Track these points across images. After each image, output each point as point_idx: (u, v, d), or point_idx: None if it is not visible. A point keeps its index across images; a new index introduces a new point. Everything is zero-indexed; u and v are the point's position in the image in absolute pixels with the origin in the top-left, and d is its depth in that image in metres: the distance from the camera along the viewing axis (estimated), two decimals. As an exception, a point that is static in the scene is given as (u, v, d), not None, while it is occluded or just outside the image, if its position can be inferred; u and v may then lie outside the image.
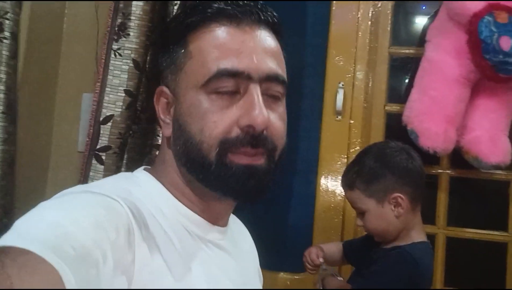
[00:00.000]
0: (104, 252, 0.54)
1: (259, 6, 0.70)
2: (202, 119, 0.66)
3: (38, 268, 0.46)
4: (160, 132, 1.36)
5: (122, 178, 0.73)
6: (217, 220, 0.74)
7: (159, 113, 0.73)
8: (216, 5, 0.68)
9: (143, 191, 0.68)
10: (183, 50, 0.69)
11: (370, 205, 1.19)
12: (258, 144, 0.66)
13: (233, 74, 0.65)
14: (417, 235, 1.21)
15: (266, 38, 0.69)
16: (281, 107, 0.71)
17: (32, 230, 0.52)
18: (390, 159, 1.19)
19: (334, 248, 1.37)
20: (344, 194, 1.29)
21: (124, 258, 0.58)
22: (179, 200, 0.71)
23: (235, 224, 0.85)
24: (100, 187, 0.64)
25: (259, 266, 0.90)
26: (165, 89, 0.72)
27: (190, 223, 0.70)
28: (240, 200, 0.72)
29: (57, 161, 1.58)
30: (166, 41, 0.73)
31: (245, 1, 0.69)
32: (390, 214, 1.18)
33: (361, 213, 1.22)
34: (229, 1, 0.68)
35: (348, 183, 1.23)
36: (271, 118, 0.67)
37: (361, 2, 1.62)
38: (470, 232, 1.59)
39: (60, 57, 1.58)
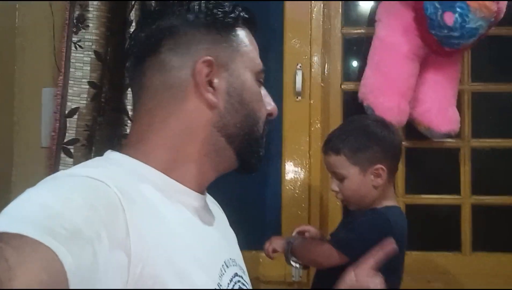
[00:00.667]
0: (97, 231, 0.54)
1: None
2: (260, 100, 0.79)
3: (34, 250, 0.46)
4: (128, 121, 1.38)
5: (100, 161, 0.74)
6: (201, 190, 0.78)
7: (201, 79, 0.73)
8: (244, 11, 0.80)
9: (124, 169, 0.69)
10: (234, 37, 0.78)
11: (352, 172, 1.24)
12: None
13: (264, 73, 0.81)
14: (389, 202, 1.29)
15: None
16: None
17: (22, 214, 0.52)
18: (378, 132, 1.26)
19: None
20: (324, 160, 1.33)
21: (118, 234, 0.58)
22: (165, 173, 0.72)
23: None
24: (84, 170, 0.65)
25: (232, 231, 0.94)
26: (213, 61, 0.74)
27: (178, 193, 0.73)
28: (247, 171, 0.82)
29: (20, 157, 1.55)
30: (212, 22, 0.76)
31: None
32: (369, 184, 1.24)
33: (339, 179, 1.27)
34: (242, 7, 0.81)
35: (334, 147, 1.26)
36: None
37: (312, -15, 1.67)
38: (427, 198, 1.70)
39: (15, 52, 1.55)
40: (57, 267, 0.47)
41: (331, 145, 1.28)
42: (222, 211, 0.94)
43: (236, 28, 0.78)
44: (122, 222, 0.59)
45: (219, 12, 0.77)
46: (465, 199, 1.67)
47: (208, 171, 0.77)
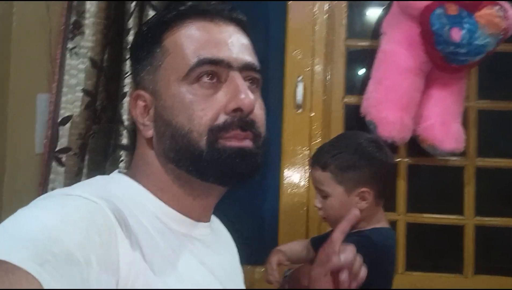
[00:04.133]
0: (87, 255, 0.53)
1: (227, 5, 0.73)
2: (188, 108, 0.67)
3: (17, 277, 0.45)
4: (124, 131, 1.34)
5: (101, 180, 0.72)
6: (201, 216, 0.75)
7: (137, 117, 0.73)
8: (188, 4, 0.71)
9: (123, 191, 0.69)
10: (158, 49, 0.71)
11: (337, 192, 1.18)
12: (246, 127, 0.68)
13: (214, 62, 0.68)
14: (378, 223, 1.21)
15: (239, 34, 0.73)
16: (259, 98, 0.74)
17: (11, 237, 0.51)
18: (369, 153, 1.18)
19: (297, 246, 1.35)
20: (310, 174, 1.27)
21: (109, 260, 0.57)
22: (161, 199, 0.71)
23: (213, 220, 0.85)
24: (79, 189, 0.63)
25: (239, 262, 0.91)
26: (142, 92, 0.72)
27: (171, 220, 0.70)
28: (232, 183, 0.72)
29: (13, 165, 1.51)
30: (141, 45, 0.74)
31: (214, 0, 0.73)
32: (353, 206, 1.16)
33: (323, 196, 1.21)
34: (199, 0, 0.72)
35: (321, 163, 1.20)
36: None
37: (317, -4, 1.64)
38: (429, 217, 1.65)
39: (11, 57, 1.52)
40: None
41: (319, 159, 1.21)
42: (231, 238, 0.91)
43: (164, 37, 0.71)
44: (114, 247, 0.59)
45: (138, 38, 0.74)
46: (468, 220, 1.62)
47: (189, 198, 0.72)
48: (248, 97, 0.68)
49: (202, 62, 0.67)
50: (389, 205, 1.61)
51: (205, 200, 0.74)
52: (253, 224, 1.65)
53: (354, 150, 1.19)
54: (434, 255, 1.69)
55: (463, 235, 1.62)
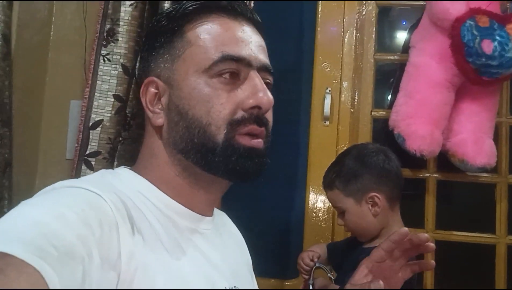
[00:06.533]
0: (89, 249, 0.53)
1: (246, 6, 0.75)
2: (208, 102, 0.68)
3: (19, 271, 0.45)
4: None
5: (105, 174, 0.73)
6: (204, 210, 0.75)
7: (146, 104, 0.73)
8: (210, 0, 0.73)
9: (125, 185, 0.69)
10: (180, 39, 0.72)
11: (349, 205, 1.21)
12: (262, 124, 0.70)
13: (236, 60, 0.69)
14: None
15: (258, 35, 0.75)
16: None
17: (13, 231, 0.50)
18: (368, 160, 1.22)
19: (318, 249, 1.38)
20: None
21: (110, 253, 0.57)
22: (165, 193, 0.71)
23: (219, 216, 0.85)
24: (82, 182, 0.63)
25: (250, 262, 0.89)
26: (155, 79, 0.72)
27: (175, 213, 0.70)
28: (238, 180, 0.72)
29: (44, 169, 1.56)
30: (159, 33, 0.74)
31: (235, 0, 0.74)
32: (368, 213, 1.20)
33: (341, 213, 1.25)
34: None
35: (327, 183, 1.26)
36: None
37: (346, 9, 1.65)
38: (459, 235, 1.60)
39: (47, 64, 1.58)
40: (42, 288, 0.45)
41: (325, 181, 1.28)
42: (238, 234, 0.90)
43: (186, 29, 0.72)
44: (115, 240, 0.58)
45: (161, 21, 0.74)
46: (500, 239, 1.57)
47: (193, 191, 0.72)
48: (267, 96, 0.69)
49: (225, 58, 0.69)
50: (417, 222, 1.58)
51: (209, 194, 0.74)
52: (279, 237, 1.63)
53: (353, 161, 1.23)
54: (465, 274, 1.63)
55: (494, 254, 1.57)
